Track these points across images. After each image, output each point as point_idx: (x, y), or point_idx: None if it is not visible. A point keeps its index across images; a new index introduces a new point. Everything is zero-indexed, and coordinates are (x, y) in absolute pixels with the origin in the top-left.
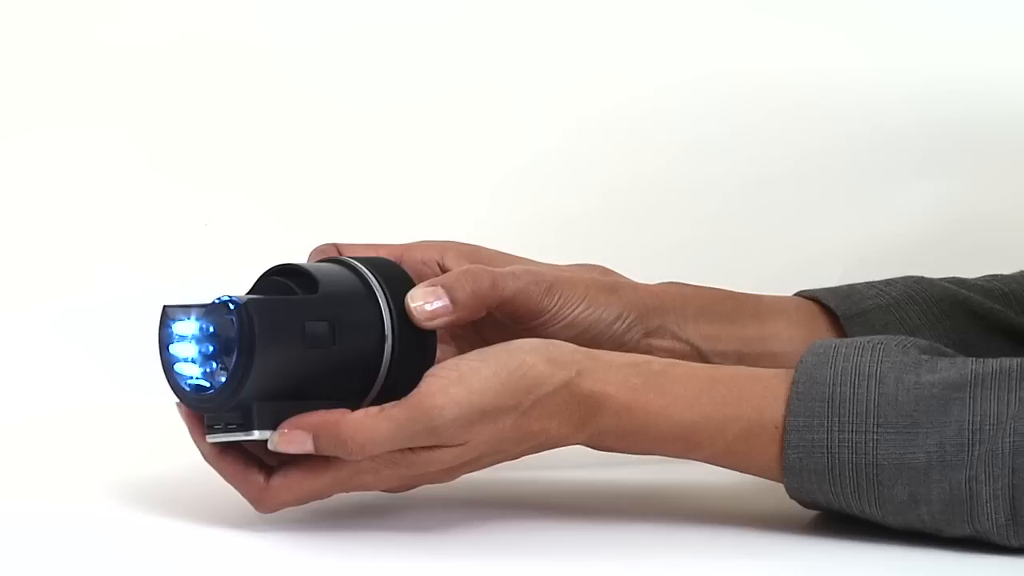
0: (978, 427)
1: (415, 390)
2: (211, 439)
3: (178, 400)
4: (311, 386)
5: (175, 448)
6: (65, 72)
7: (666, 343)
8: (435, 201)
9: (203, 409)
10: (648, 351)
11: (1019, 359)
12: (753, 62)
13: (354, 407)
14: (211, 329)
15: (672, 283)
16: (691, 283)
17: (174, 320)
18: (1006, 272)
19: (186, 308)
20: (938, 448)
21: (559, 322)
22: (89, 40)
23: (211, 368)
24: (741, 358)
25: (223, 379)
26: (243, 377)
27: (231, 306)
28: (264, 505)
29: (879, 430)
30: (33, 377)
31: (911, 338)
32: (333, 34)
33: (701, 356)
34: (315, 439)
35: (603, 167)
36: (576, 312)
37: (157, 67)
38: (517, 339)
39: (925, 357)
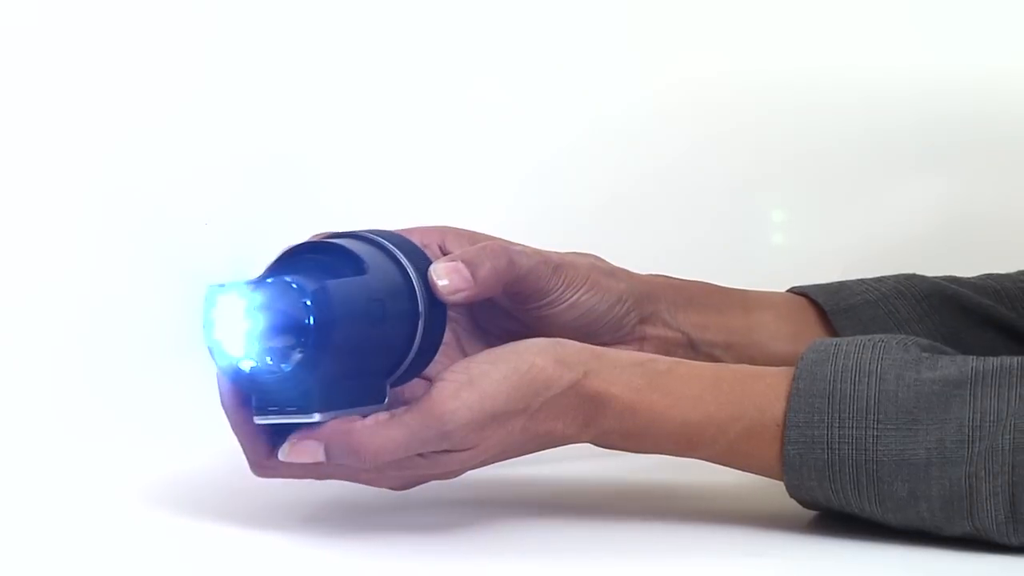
0: (978, 424)
1: (426, 395)
2: (262, 421)
3: (228, 380)
4: (357, 365)
5: (174, 449)
6: (65, 71)
7: (659, 330)
8: (433, 198)
9: (261, 391)
10: (642, 337)
11: (1019, 358)
12: (753, 62)
13: (382, 385)
14: (268, 309)
15: (660, 275)
16: (679, 277)
17: (220, 300)
18: (1003, 272)
19: (233, 287)
20: (938, 444)
21: (562, 303)
22: (89, 38)
23: (265, 348)
24: (730, 347)
25: (293, 361)
26: (319, 359)
27: (295, 286)
28: (261, 471)
29: (879, 426)
30: (32, 378)
31: (912, 336)
32: (334, 28)
33: (692, 344)
34: (327, 449)
35: (602, 165)
36: (579, 294)
37: (156, 66)
38: (523, 339)
39: (926, 355)
